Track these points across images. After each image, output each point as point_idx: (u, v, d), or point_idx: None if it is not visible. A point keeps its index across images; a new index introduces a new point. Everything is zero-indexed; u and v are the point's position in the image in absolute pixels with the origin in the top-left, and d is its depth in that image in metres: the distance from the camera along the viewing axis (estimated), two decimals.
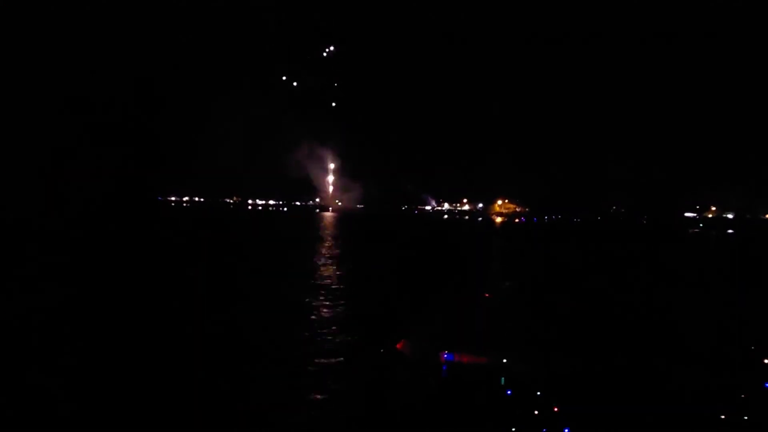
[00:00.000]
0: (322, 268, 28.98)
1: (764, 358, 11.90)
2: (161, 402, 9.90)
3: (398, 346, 12.20)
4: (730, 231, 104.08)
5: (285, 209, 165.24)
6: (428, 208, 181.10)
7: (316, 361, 12.87)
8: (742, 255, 50.21)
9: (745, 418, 9.21)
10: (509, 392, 10.17)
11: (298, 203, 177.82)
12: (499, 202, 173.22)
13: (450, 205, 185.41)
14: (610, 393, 10.23)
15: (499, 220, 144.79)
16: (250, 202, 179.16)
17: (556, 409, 9.37)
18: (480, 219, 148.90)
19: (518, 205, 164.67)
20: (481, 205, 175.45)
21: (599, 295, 22.40)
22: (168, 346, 13.08)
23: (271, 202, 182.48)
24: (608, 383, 10.80)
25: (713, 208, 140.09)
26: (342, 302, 19.66)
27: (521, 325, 15.47)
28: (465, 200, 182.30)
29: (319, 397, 10.82)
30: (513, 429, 8.77)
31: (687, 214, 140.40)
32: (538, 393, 9.94)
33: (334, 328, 15.74)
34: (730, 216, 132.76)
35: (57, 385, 10.39)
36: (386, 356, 11.80)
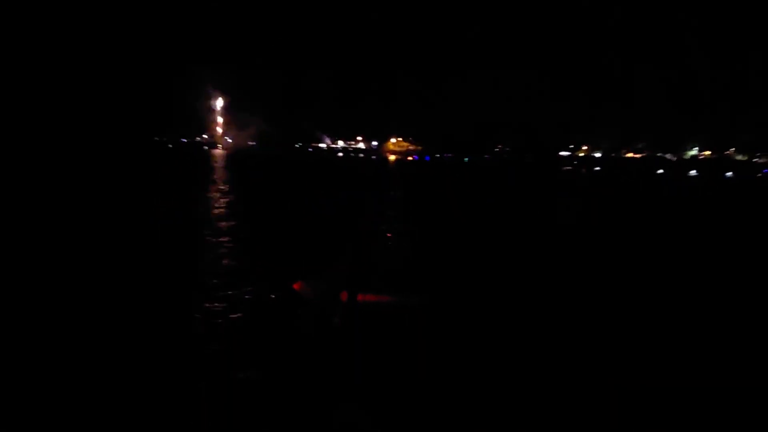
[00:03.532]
0: (214, 207, 28.04)
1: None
2: None
3: (295, 287, 12.14)
4: (597, 168, 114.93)
5: (170, 146, 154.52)
6: (323, 145, 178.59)
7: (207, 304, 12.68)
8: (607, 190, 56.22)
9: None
10: (407, 326, 10.65)
11: (184, 140, 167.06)
12: (393, 140, 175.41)
13: (345, 142, 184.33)
14: (510, 323, 11.24)
15: (392, 157, 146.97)
16: None
17: (450, 342, 10.00)
18: (374, 157, 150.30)
19: (411, 143, 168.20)
20: (375, 142, 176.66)
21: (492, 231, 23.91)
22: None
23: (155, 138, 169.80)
24: (508, 315, 11.80)
25: (585, 148, 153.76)
26: (233, 244, 19.25)
27: (423, 263, 16.08)
28: (359, 138, 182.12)
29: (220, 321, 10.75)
30: (412, 360, 9.31)
31: (561, 153, 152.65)
32: (442, 327, 10.49)
33: (223, 271, 15.45)
34: (598, 155, 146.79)
35: None
36: (280, 299, 11.80)
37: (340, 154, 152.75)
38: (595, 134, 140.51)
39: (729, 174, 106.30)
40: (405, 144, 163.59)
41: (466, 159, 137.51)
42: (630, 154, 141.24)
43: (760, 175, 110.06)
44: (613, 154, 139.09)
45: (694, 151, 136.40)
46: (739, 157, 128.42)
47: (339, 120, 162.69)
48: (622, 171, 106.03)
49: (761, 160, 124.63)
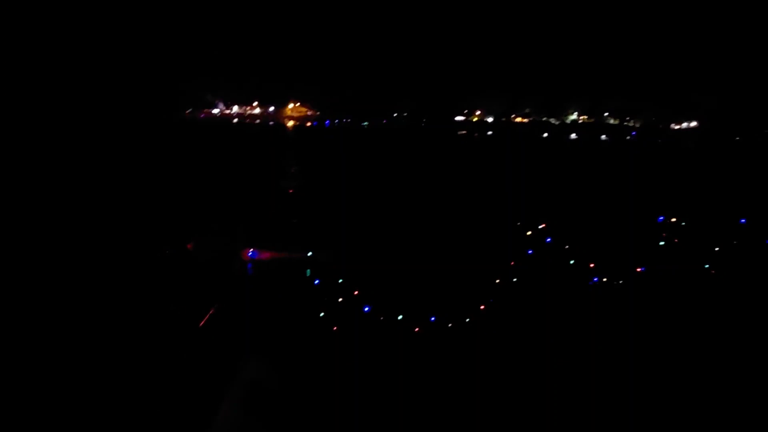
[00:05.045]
0: None
1: None
2: None
3: (188, 246, 11.31)
4: (489, 132, 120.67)
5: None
6: (215, 111, 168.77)
7: None
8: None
9: None
10: (317, 282, 10.51)
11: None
12: (291, 105, 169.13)
13: (239, 108, 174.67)
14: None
15: (291, 123, 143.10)
16: None
17: (356, 293, 10.04)
18: (271, 123, 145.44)
19: (310, 108, 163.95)
20: (272, 108, 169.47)
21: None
22: None
23: None
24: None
25: (478, 113, 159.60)
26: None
27: (324, 218, 15.91)
28: (255, 103, 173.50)
29: None
30: (321, 314, 9.24)
31: (457, 118, 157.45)
32: (341, 280, 10.48)
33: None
34: (490, 120, 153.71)
35: None
36: (173, 257, 11.02)
37: (236, 121, 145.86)
38: (488, 99, 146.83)
39: (603, 137, 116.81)
40: (303, 109, 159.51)
41: (365, 123, 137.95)
42: (519, 119, 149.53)
43: (629, 137, 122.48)
44: (503, 119, 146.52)
45: (574, 116, 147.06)
46: (612, 121, 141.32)
47: (232, 84, 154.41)
48: (511, 135, 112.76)
49: (630, 124, 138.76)
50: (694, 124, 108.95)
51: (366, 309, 8.59)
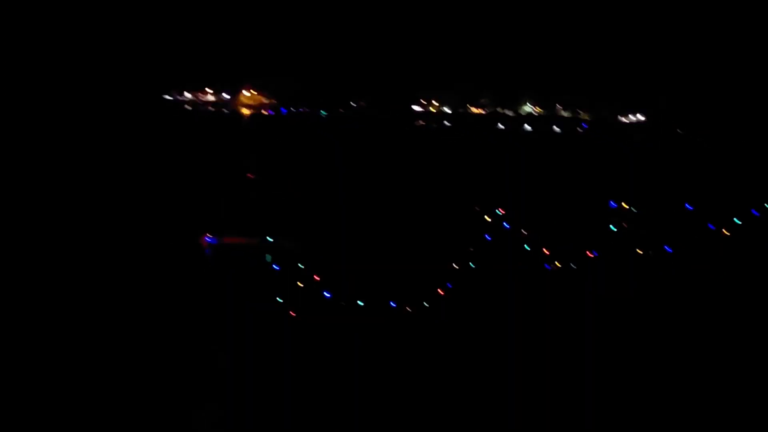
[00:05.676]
0: None
1: None
2: None
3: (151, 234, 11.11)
4: (447, 123, 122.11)
5: None
6: (168, 97, 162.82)
7: None
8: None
9: None
10: (277, 267, 10.36)
11: None
12: (246, 93, 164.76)
13: (192, 94, 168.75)
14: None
15: (246, 111, 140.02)
16: None
17: (316, 278, 10.00)
18: (226, 111, 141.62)
19: (266, 96, 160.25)
20: (227, 96, 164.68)
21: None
22: None
23: None
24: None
25: (435, 103, 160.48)
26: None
27: (285, 205, 15.67)
28: (209, 90, 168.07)
29: None
30: (280, 300, 9.13)
31: (414, 108, 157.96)
32: (301, 266, 10.38)
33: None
34: (448, 110, 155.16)
35: None
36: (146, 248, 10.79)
37: (189, 108, 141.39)
38: (445, 89, 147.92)
39: (556, 129, 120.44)
40: (259, 97, 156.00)
41: (323, 113, 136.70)
42: (475, 110, 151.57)
43: (580, 130, 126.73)
44: (460, 110, 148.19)
45: (529, 108, 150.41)
46: (564, 114, 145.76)
47: (185, 68, 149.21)
48: (467, 127, 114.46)
49: (582, 116, 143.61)
50: (641, 118, 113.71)
51: (326, 294, 8.54)
